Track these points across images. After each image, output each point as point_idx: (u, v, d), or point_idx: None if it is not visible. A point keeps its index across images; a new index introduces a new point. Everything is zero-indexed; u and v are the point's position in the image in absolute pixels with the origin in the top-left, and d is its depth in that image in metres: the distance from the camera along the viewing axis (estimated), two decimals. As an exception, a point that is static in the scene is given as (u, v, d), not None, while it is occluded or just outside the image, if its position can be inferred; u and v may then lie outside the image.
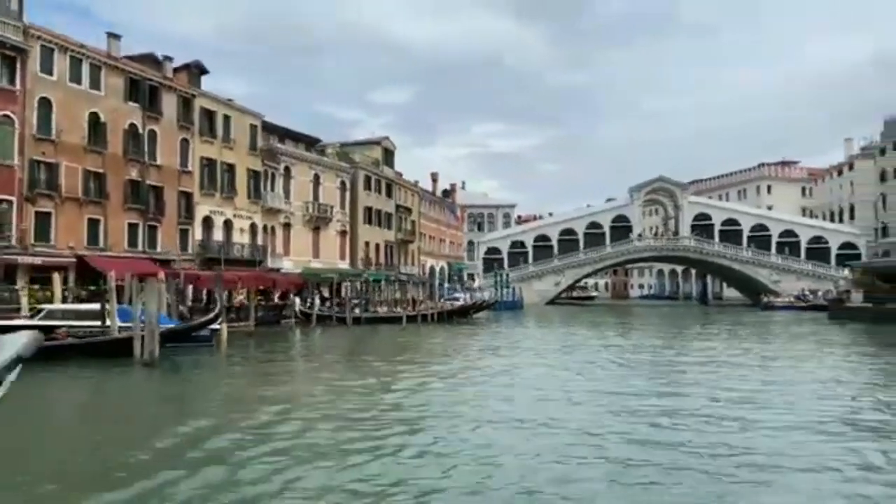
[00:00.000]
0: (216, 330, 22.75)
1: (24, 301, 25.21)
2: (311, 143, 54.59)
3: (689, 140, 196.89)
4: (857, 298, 43.77)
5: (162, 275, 23.96)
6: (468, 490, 7.76)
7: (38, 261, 30.05)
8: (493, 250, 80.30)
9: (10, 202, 29.61)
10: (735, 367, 19.59)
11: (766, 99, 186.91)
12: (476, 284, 70.13)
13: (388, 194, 61.55)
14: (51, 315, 20.49)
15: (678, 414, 12.15)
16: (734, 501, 7.34)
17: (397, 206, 63.13)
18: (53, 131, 31.50)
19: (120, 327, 19.44)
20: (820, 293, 60.65)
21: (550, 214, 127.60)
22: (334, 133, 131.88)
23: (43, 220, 31.00)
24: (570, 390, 15.08)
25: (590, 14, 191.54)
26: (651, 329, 38.49)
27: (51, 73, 31.56)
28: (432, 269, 71.32)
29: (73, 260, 31.76)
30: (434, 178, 79.28)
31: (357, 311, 37.77)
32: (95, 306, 21.07)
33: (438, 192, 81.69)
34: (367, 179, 57.71)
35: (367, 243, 57.20)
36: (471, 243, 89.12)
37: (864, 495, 7.50)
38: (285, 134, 50.65)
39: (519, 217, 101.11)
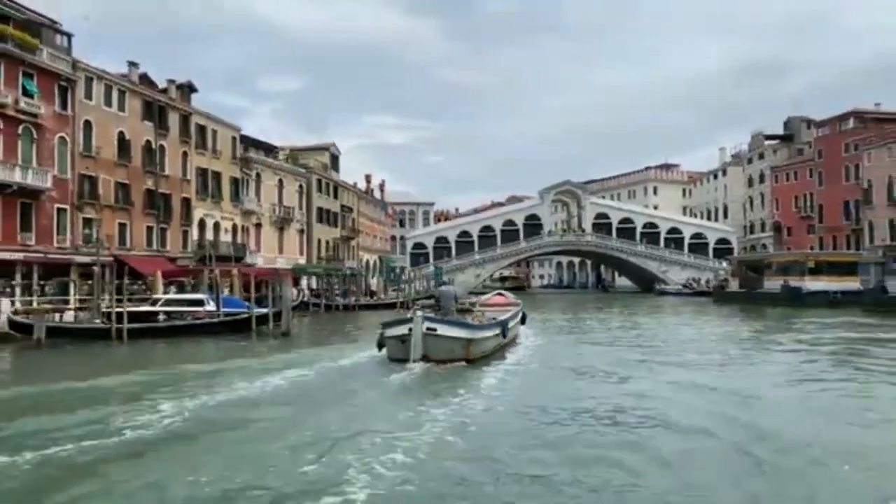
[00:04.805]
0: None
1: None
2: (268, 149, 60.43)
3: (570, 137, 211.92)
4: (734, 285, 54.82)
5: (235, 271, 30.32)
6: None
7: (87, 260, 35.39)
8: (419, 245, 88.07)
9: (65, 210, 34.88)
10: (660, 326, 28.36)
11: (641, 100, 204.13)
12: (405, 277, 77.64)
13: (335, 195, 68.18)
14: (168, 303, 26.72)
15: (637, 341, 20.44)
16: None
17: (342, 206, 69.83)
18: (94, 149, 36.78)
19: (224, 312, 26.02)
20: (703, 281, 72.49)
21: (457, 210, 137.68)
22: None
23: (88, 225, 36.33)
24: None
25: (480, 10, 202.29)
26: (579, 308, 47.48)
27: (91, 99, 36.78)
28: (367, 262, 78.30)
29: (112, 259, 37.15)
30: (368, 179, 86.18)
31: (339, 299, 44.63)
32: (198, 295, 27.43)
33: (368, 190, 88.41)
34: (319, 182, 64.14)
35: (319, 240, 63.72)
36: (393, 238, 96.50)
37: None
38: (249, 143, 56.38)
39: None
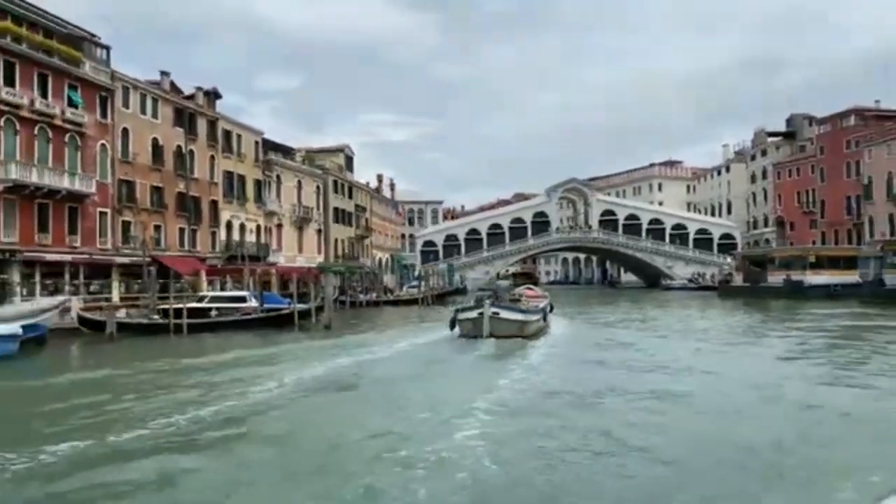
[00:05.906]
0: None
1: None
2: (286, 151, 62.43)
3: (571, 136, 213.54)
4: (738, 280, 56.76)
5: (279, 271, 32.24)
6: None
7: (126, 261, 37.49)
8: (429, 243, 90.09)
9: (106, 214, 36.94)
10: (669, 316, 30.38)
11: (641, 97, 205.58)
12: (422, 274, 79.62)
13: (350, 196, 70.23)
14: (213, 300, 28.79)
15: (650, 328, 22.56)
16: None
17: (356, 206, 71.88)
18: (130, 155, 38.83)
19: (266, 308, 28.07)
20: (708, 276, 74.43)
21: (463, 207, 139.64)
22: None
23: (127, 227, 38.39)
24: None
25: (478, 10, 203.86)
26: (589, 302, 49.42)
27: (128, 108, 38.82)
28: (380, 260, 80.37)
29: (149, 259, 39.21)
30: (379, 178, 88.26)
31: (362, 296, 46.71)
32: (240, 293, 29.51)
33: (379, 189, 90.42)
34: (335, 183, 66.18)
35: (336, 239, 65.78)
36: (402, 236, 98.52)
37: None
38: (269, 146, 58.37)
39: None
